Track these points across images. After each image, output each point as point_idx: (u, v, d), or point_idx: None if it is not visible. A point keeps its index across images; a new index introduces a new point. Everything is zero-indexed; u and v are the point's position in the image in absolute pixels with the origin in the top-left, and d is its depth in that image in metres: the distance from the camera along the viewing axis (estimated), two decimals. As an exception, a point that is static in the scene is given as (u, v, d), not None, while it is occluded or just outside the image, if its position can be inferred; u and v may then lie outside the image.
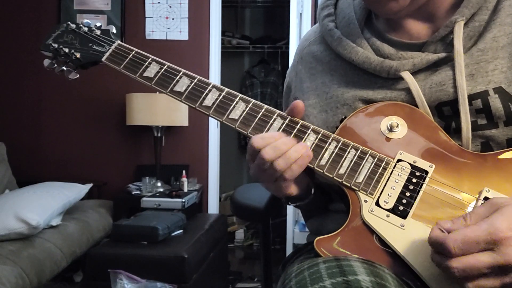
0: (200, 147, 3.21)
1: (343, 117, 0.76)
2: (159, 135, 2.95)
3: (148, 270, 1.85)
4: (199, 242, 2.13)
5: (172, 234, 2.11)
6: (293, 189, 0.72)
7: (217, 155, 3.27)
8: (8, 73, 3.25)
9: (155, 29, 3.18)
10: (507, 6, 0.72)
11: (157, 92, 2.85)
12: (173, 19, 3.18)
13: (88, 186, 2.70)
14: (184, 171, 2.85)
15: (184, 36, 3.17)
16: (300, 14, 3.07)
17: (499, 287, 0.54)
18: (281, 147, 0.67)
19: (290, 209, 2.98)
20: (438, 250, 0.56)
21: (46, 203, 2.25)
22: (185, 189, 2.72)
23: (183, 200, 2.41)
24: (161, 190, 2.74)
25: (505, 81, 0.69)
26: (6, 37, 3.24)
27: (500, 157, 0.68)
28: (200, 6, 3.17)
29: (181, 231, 2.19)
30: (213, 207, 3.21)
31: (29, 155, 3.21)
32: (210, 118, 3.36)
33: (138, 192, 2.82)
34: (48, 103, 3.24)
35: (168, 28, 3.18)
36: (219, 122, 3.24)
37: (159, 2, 3.18)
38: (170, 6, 3.18)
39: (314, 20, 3.06)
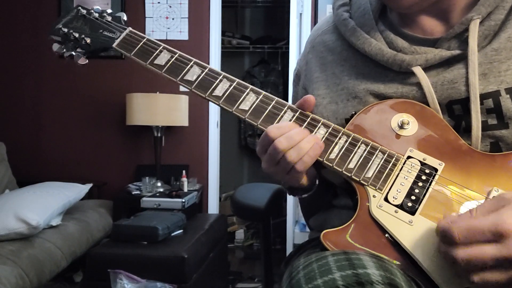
0: (200, 147, 3.20)
1: (353, 112, 0.76)
2: (159, 135, 2.94)
3: (148, 270, 1.84)
4: (199, 242, 2.12)
5: (172, 234, 2.11)
6: (305, 180, 0.72)
7: (217, 155, 3.27)
8: (7, 73, 3.24)
9: (155, 29, 3.18)
10: None
11: (157, 92, 2.85)
12: (173, 19, 3.18)
13: (88, 186, 2.70)
14: (184, 171, 2.84)
15: (184, 36, 3.17)
16: (300, 14, 3.06)
17: (505, 282, 0.53)
18: (294, 137, 0.67)
19: (290, 209, 2.97)
20: (444, 238, 0.56)
21: (46, 203, 2.24)
22: (185, 189, 2.72)
23: (183, 200, 2.41)
24: (161, 190, 2.74)
25: None
26: (6, 36, 3.23)
27: (510, 158, 0.68)
28: (200, 6, 3.17)
29: (181, 231, 2.18)
30: (213, 207, 3.21)
31: (29, 155, 3.20)
32: (209, 118, 3.34)
33: (138, 192, 2.81)
34: (48, 103, 3.23)
35: (168, 28, 3.18)
36: (219, 122, 3.26)
37: (159, 2, 3.17)
38: (170, 6, 3.17)
39: (314, 20, 3.06)
